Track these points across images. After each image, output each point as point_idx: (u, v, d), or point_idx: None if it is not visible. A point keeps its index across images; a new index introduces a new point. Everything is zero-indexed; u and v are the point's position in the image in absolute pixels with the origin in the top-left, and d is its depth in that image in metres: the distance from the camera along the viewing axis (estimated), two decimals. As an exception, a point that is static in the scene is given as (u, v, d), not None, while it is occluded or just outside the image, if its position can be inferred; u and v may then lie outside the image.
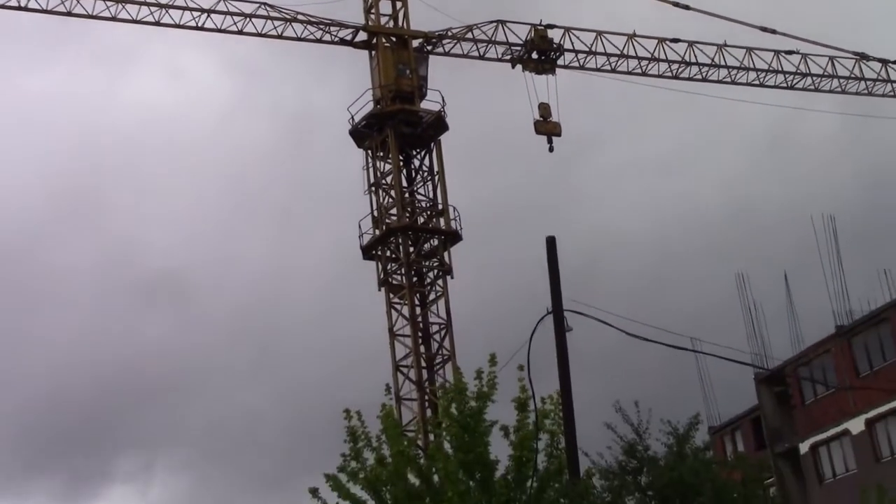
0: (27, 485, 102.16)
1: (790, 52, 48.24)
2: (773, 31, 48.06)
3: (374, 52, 45.46)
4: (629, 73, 47.39)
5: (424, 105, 45.19)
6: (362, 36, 45.42)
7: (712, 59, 47.89)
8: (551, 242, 18.82)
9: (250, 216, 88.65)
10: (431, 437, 31.41)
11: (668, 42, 47.42)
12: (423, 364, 42.45)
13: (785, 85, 48.76)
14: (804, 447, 48.40)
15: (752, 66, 48.16)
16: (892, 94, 49.45)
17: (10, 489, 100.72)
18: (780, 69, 48.31)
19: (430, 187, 45.10)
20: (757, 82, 48.64)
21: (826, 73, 48.61)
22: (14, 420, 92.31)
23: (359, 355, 64.21)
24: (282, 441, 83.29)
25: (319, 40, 44.89)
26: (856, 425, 45.24)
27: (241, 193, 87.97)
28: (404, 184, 44.81)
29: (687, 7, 48.10)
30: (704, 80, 49.01)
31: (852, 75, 48.82)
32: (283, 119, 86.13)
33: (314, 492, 19.70)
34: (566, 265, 18.80)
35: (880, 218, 65.48)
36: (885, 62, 49.06)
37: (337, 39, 45.20)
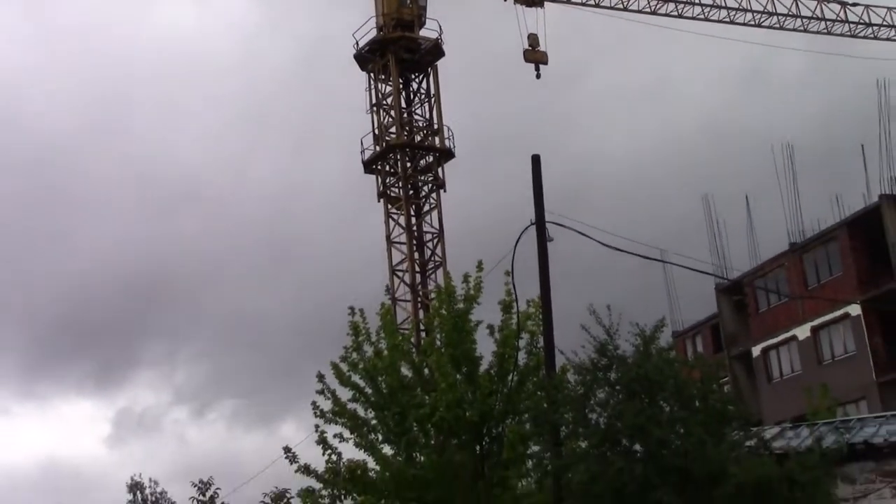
0: (64, 367, 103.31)
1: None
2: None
3: (377, -18, 45.02)
4: (612, 7, 46.87)
5: (423, 33, 44.89)
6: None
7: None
8: (536, 160, 18.88)
9: (266, 134, 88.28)
10: (423, 335, 31.79)
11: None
12: (417, 269, 42.76)
13: (753, 23, 48.32)
14: (756, 350, 49.10)
15: (723, 4, 47.68)
16: (849, 33, 49.06)
17: (48, 372, 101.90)
18: (748, 8, 47.84)
19: (427, 108, 45.00)
20: (728, 20, 48.16)
21: (790, 13, 48.17)
22: (52, 310, 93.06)
23: (359, 260, 64.58)
24: (292, 335, 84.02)
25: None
26: (802, 332, 45.87)
27: (258, 113, 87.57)
28: (403, 105, 44.68)
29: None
30: (680, 16, 48.53)
31: (814, 15, 48.37)
32: (299, 44, 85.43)
33: (321, 377, 20.01)
34: (552, 183, 18.91)
35: (837, 147, 65.43)
36: (843, 3, 48.56)
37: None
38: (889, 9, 49.13)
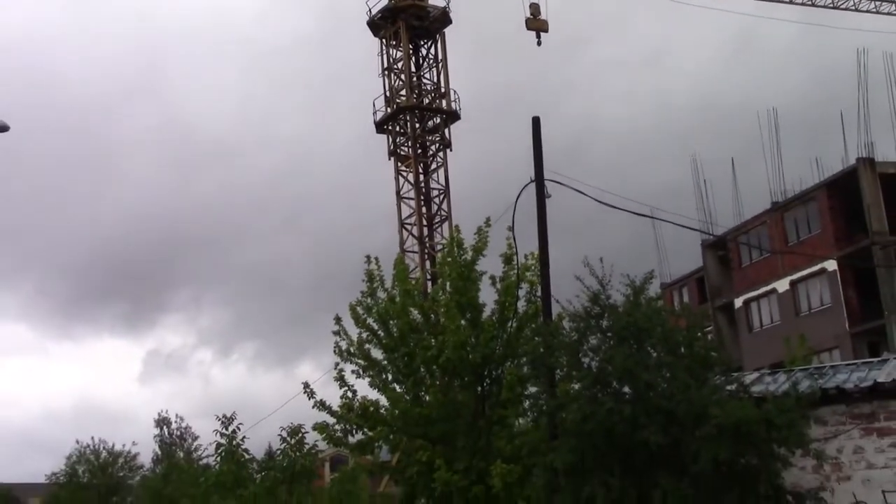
0: (97, 310, 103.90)
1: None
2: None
3: (389, -46, 44.61)
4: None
5: (432, 1, 44.56)
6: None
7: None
8: (536, 122, 18.81)
9: (287, 96, 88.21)
10: (430, 284, 31.90)
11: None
12: (425, 223, 42.82)
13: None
14: (738, 302, 49.20)
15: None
16: (831, 5, 48.58)
17: (83, 315, 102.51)
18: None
19: (435, 73, 44.81)
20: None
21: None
22: (88, 258, 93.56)
23: (371, 214, 64.63)
24: (309, 282, 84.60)
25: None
26: (782, 285, 45.93)
27: (280, 76, 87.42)
28: (413, 69, 44.44)
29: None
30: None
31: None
32: (319, 10, 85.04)
33: (338, 319, 20.18)
34: (552, 145, 18.89)
35: (820, 113, 65.15)
36: (828, -23, 48.05)
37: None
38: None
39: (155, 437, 53.28)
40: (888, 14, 49.11)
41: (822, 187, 44.00)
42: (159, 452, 51.92)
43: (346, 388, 19.72)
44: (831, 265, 42.55)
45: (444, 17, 44.11)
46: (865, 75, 45.26)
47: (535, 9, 43.98)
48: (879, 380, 15.90)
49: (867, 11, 48.87)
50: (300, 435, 23.86)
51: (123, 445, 53.98)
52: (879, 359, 18.53)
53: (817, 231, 44.28)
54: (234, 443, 23.83)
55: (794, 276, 45.16)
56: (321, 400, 19.78)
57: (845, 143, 43.51)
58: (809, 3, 48.33)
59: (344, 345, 20.03)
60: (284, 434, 23.92)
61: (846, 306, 42.25)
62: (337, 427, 19.89)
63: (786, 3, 48.39)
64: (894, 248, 40.78)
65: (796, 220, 45.69)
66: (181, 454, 49.21)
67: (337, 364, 19.81)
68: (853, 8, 48.84)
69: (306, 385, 19.96)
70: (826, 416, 15.68)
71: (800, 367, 19.48)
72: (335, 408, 19.76)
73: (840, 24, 49.97)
